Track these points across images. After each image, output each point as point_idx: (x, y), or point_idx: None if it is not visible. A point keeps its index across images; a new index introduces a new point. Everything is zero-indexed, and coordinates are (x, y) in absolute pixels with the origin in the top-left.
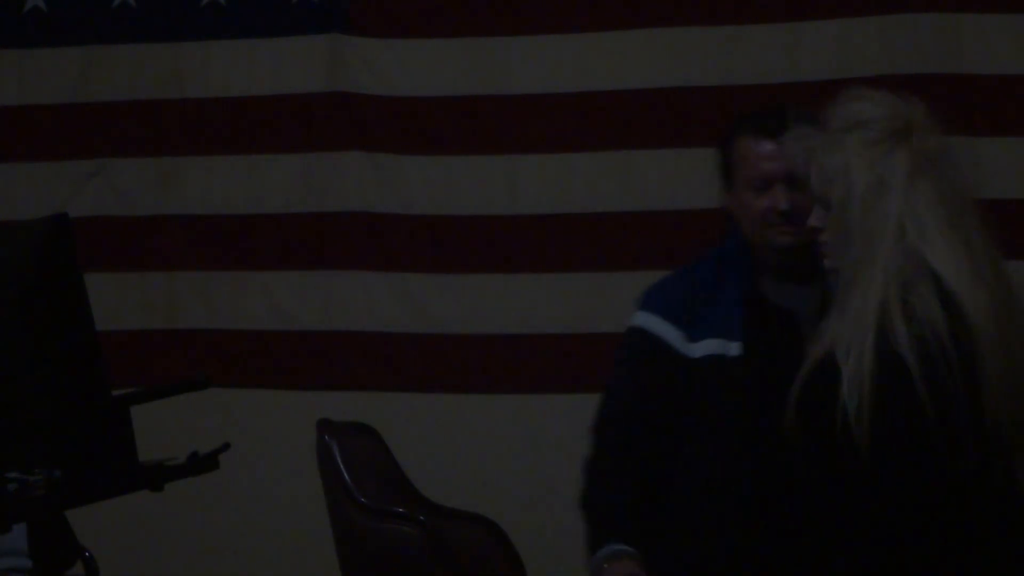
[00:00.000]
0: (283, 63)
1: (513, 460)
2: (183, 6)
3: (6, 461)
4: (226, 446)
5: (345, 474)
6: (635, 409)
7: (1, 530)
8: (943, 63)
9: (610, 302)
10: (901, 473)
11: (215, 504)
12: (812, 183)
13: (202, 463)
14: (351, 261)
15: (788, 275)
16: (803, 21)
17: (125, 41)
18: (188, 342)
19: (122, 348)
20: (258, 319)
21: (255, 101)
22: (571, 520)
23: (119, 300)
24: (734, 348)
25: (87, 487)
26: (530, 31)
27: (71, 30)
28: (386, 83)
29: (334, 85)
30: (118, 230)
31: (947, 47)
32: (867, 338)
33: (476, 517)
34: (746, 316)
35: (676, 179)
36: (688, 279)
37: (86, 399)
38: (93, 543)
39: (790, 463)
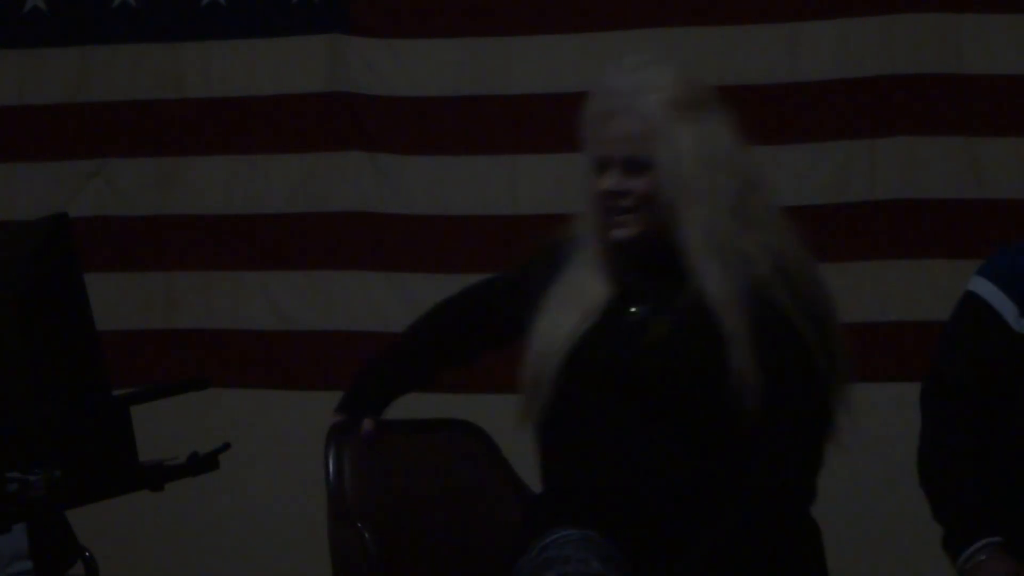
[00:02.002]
0: (283, 63)
1: (514, 460)
2: (183, 6)
3: (6, 461)
4: (226, 446)
5: None
6: (971, 381)
7: (1, 530)
8: (943, 63)
9: None
10: None
11: (215, 504)
12: (618, 143)
13: (202, 463)
14: (351, 261)
15: None
16: (803, 21)
17: (125, 41)
18: (188, 342)
19: (122, 348)
20: (258, 319)
21: (255, 101)
22: None
23: (119, 300)
24: None
25: (87, 487)
26: (530, 31)
27: (71, 30)
28: (386, 83)
29: (334, 85)
30: (118, 230)
31: (947, 47)
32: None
33: (454, 422)
34: None
35: None
36: None
37: (86, 399)
38: (93, 543)
39: None
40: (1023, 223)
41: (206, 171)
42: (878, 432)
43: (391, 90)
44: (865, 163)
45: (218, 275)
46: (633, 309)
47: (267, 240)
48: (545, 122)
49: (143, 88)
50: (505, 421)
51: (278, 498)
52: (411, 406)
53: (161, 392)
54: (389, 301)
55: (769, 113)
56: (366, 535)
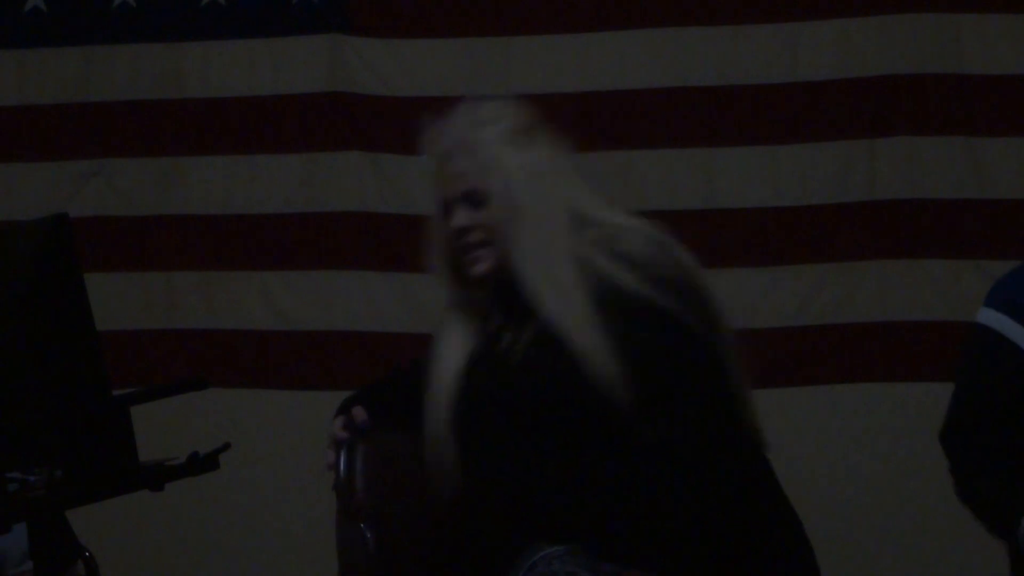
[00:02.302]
0: (283, 63)
1: None
2: (183, 6)
3: (6, 461)
4: (226, 446)
5: None
6: (994, 414)
7: (1, 530)
8: (943, 63)
9: None
10: None
11: (215, 504)
12: (457, 181)
13: (202, 463)
14: (351, 261)
15: None
16: (803, 21)
17: (125, 41)
18: (188, 342)
19: (122, 348)
20: (258, 319)
21: (255, 101)
22: None
23: (119, 300)
24: None
25: (87, 487)
26: (530, 31)
27: (71, 30)
28: (386, 83)
29: (334, 85)
30: (118, 230)
31: (947, 47)
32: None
33: None
34: None
35: (676, 179)
36: None
37: (86, 399)
38: (93, 543)
39: None
40: (1023, 223)
41: (206, 171)
42: (878, 432)
43: (391, 90)
44: (865, 163)
45: (218, 275)
46: (504, 338)
47: (267, 240)
48: (545, 122)
49: (143, 88)
50: None
51: (278, 498)
52: None
53: (161, 392)
54: (389, 301)
55: (769, 113)
56: (367, 534)
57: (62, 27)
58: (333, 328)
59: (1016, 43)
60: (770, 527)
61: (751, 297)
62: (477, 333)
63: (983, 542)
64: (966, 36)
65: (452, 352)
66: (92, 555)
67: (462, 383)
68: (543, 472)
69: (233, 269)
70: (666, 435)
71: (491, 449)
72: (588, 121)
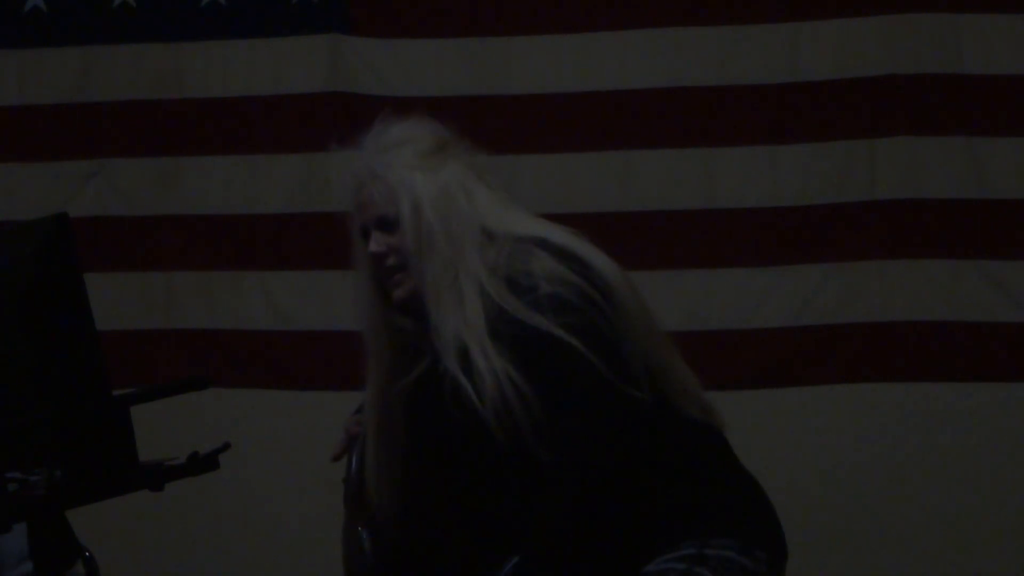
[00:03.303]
0: (283, 63)
1: None
2: (183, 6)
3: (6, 461)
4: (226, 446)
5: None
6: None
7: (1, 530)
8: (943, 63)
9: None
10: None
11: (215, 504)
12: (369, 207)
13: (202, 463)
14: (351, 261)
15: None
16: (803, 21)
17: (125, 41)
18: (188, 342)
19: (122, 348)
20: (258, 319)
21: (255, 101)
22: None
23: (119, 300)
24: None
25: (87, 487)
26: (530, 31)
27: (71, 30)
28: (386, 83)
29: (334, 85)
30: (118, 230)
31: (947, 47)
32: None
33: None
34: None
35: (676, 179)
36: None
37: (86, 399)
38: (93, 543)
39: None
40: (1023, 223)
41: (206, 171)
42: (878, 432)
43: (391, 90)
44: (865, 163)
45: (218, 275)
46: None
47: (267, 240)
48: (545, 122)
49: (143, 88)
50: None
51: (278, 498)
52: None
53: (161, 392)
54: None
55: (769, 113)
56: (365, 539)
57: (62, 27)
58: (333, 328)
59: (1016, 43)
60: (720, 496)
61: (751, 297)
62: (408, 358)
63: (983, 542)
64: (966, 36)
65: (377, 378)
66: (92, 555)
67: (406, 410)
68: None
69: (233, 269)
70: (558, 459)
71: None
72: (588, 121)
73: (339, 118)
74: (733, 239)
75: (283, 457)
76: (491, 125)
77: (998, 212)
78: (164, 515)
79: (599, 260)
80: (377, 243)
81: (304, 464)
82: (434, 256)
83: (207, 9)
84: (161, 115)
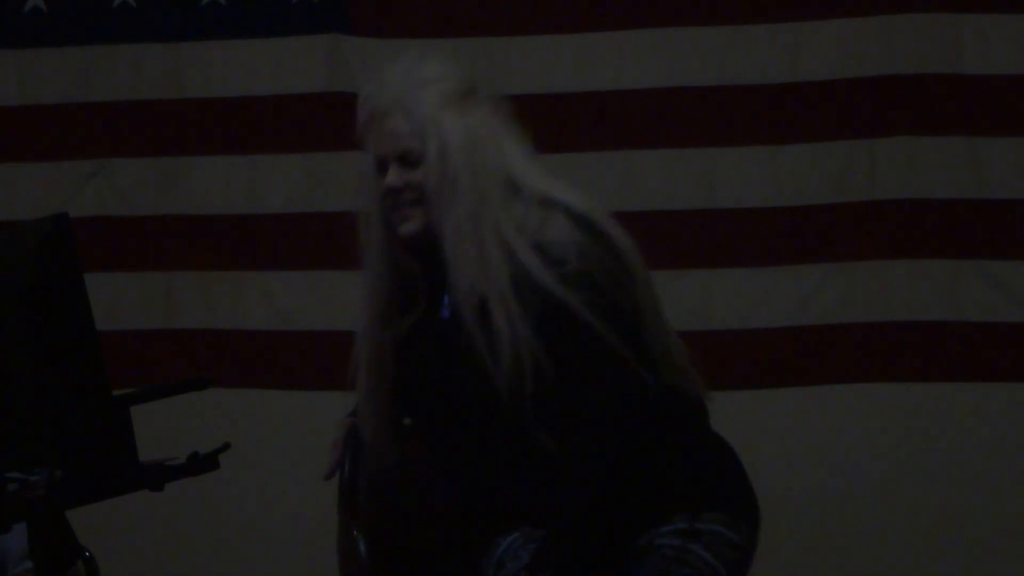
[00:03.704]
0: (283, 63)
1: None
2: (183, 6)
3: (6, 461)
4: (226, 446)
5: None
6: None
7: (1, 530)
8: (943, 63)
9: None
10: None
11: (215, 504)
12: (392, 139)
13: (202, 463)
14: (351, 261)
15: None
16: (803, 21)
17: (125, 41)
18: (188, 342)
19: (122, 348)
20: (258, 319)
21: (255, 101)
22: None
23: (119, 300)
24: None
25: (87, 487)
26: (530, 31)
27: (71, 30)
28: None
29: (334, 85)
30: (118, 230)
31: (947, 47)
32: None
33: None
34: None
35: (676, 179)
36: None
37: (86, 399)
38: (93, 543)
39: None
40: (1023, 223)
41: (206, 171)
42: (878, 432)
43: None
44: (865, 163)
45: (218, 275)
46: (444, 309)
47: (267, 240)
48: (545, 122)
49: (143, 88)
50: None
51: (278, 498)
52: None
53: (161, 392)
54: None
55: (769, 113)
56: (361, 543)
57: (62, 27)
58: (333, 328)
59: (1016, 43)
60: (707, 468)
61: (751, 297)
62: (406, 300)
63: (983, 542)
64: (966, 36)
65: (367, 314)
66: (92, 555)
67: (401, 344)
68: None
69: (233, 269)
70: (574, 440)
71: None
72: (588, 121)
73: (339, 118)
74: (733, 239)
75: (283, 457)
76: None
77: (998, 212)
78: (164, 515)
79: (621, 238)
80: (396, 177)
81: (304, 464)
82: (457, 201)
83: (207, 9)
84: (161, 115)
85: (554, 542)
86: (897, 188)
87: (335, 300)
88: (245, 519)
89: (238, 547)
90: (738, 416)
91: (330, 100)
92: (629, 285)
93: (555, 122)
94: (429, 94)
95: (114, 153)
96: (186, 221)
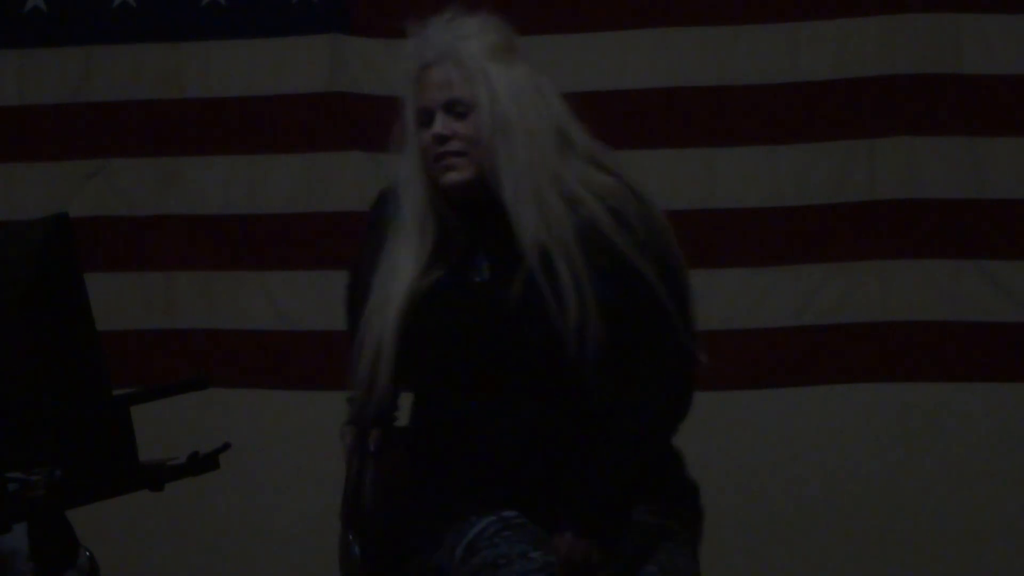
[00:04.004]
0: (283, 63)
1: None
2: (183, 6)
3: (6, 461)
4: (226, 446)
5: None
6: None
7: (1, 530)
8: (943, 63)
9: None
10: None
11: (215, 504)
12: (440, 89)
13: (202, 463)
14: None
15: None
16: (803, 21)
17: (125, 41)
18: (188, 342)
19: (122, 348)
20: (258, 319)
21: (255, 101)
22: None
23: (119, 300)
24: None
25: (87, 487)
26: (530, 31)
27: (71, 30)
28: (386, 83)
29: (334, 85)
30: (118, 230)
31: (947, 47)
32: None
33: None
34: None
35: (677, 179)
36: None
37: (86, 399)
38: (93, 543)
39: None
40: (1023, 223)
41: (206, 171)
42: (878, 432)
43: (391, 90)
44: (865, 163)
45: (218, 275)
46: (480, 273)
47: (267, 240)
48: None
49: (143, 88)
50: None
51: (278, 498)
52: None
53: (161, 392)
54: None
55: (769, 113)
56: (355, 547)
57: (62, 27)
58: (333, 328)
59: (1016, 43)
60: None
61: (751, 297)
62: (439, 254)
63: (983, 542)
64: (966, 36)
65: (407, 265)
66: (92, 555)
67: (421, 305)
68: (521, 419)
69: (233, 269)
70: (619, 404)
71: (465, 389)
72: (588, 121)
73: (339, 118)
74: (733, 239)
75: (283, 457)
76: None
77: (998, 212)
78: (164, 515)
79: (659, 213)
80: (444, 125)
81: (304, 464)
82: (512, 149)
83: (207, 9)
84: (161, 115)
85: (592, 494)
86: (897, 188)
87: (335, 300)
88: (245, 519)
89: (238, 547)
90: (738, 416)
91: (330, 100)
92: (685, 263)
93: None
94: (476, 45)
95: (114, 153)
96: (186, 221)
